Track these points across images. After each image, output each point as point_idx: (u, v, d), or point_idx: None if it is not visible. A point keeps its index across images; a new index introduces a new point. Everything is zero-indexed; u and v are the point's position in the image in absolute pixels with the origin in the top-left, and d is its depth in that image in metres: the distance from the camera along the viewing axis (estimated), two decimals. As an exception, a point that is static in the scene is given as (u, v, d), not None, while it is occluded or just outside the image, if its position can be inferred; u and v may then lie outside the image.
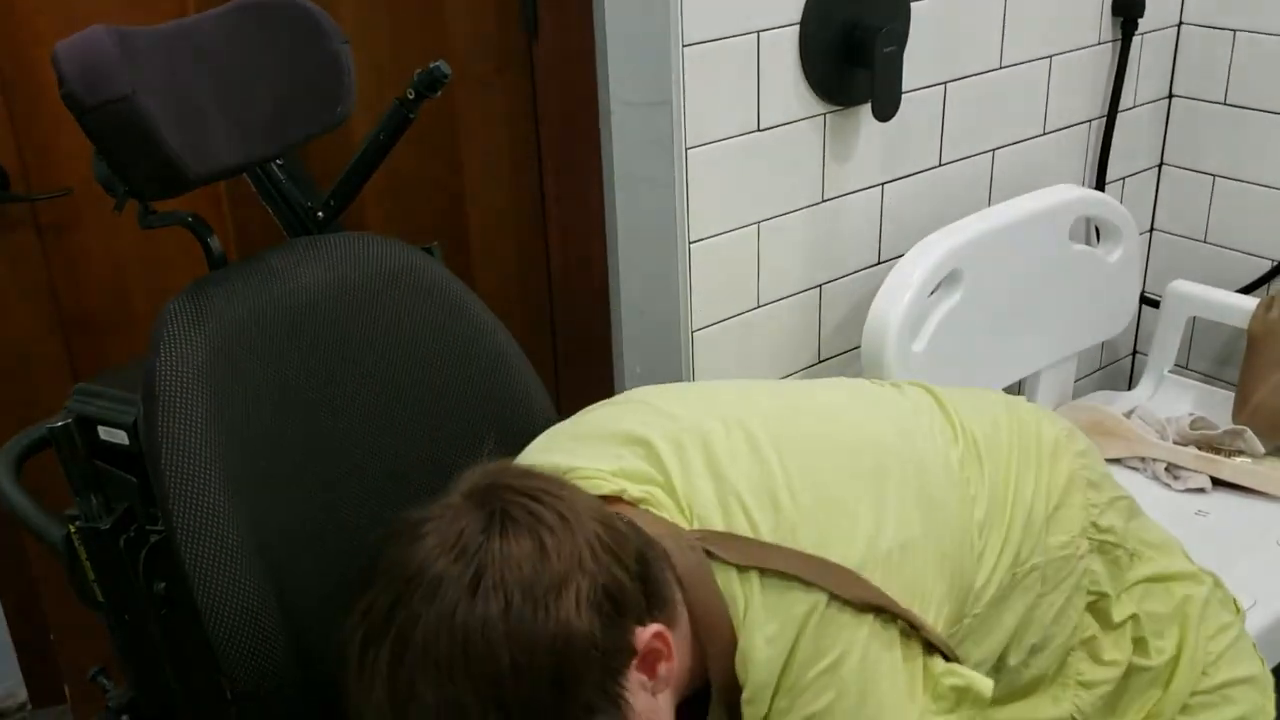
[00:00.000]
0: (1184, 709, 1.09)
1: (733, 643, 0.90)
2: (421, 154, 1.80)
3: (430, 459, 1.19)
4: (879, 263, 1.83)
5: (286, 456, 1.11)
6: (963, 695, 0.93)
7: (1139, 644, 1.08)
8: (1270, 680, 1.16)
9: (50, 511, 1.17)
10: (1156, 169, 2.21)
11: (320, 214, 1.42)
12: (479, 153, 1.85)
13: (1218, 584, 1.18)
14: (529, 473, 0.89)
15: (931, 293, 1.74)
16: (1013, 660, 1.02)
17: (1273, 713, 1.14)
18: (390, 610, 0.79)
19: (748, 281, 1.69)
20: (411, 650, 0.77)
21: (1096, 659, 1.06)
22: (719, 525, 0.92)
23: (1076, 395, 2.14)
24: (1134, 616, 1.08)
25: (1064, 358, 2.04)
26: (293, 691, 1.08)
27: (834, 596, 0.89)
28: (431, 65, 1.33)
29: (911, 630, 0.92)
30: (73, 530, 1.12)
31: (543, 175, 1.88)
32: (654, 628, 0.85)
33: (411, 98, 1.34)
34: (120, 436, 1.14)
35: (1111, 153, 2.07)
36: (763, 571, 0.89)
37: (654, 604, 0.86)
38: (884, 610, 0.91)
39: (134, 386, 1.10)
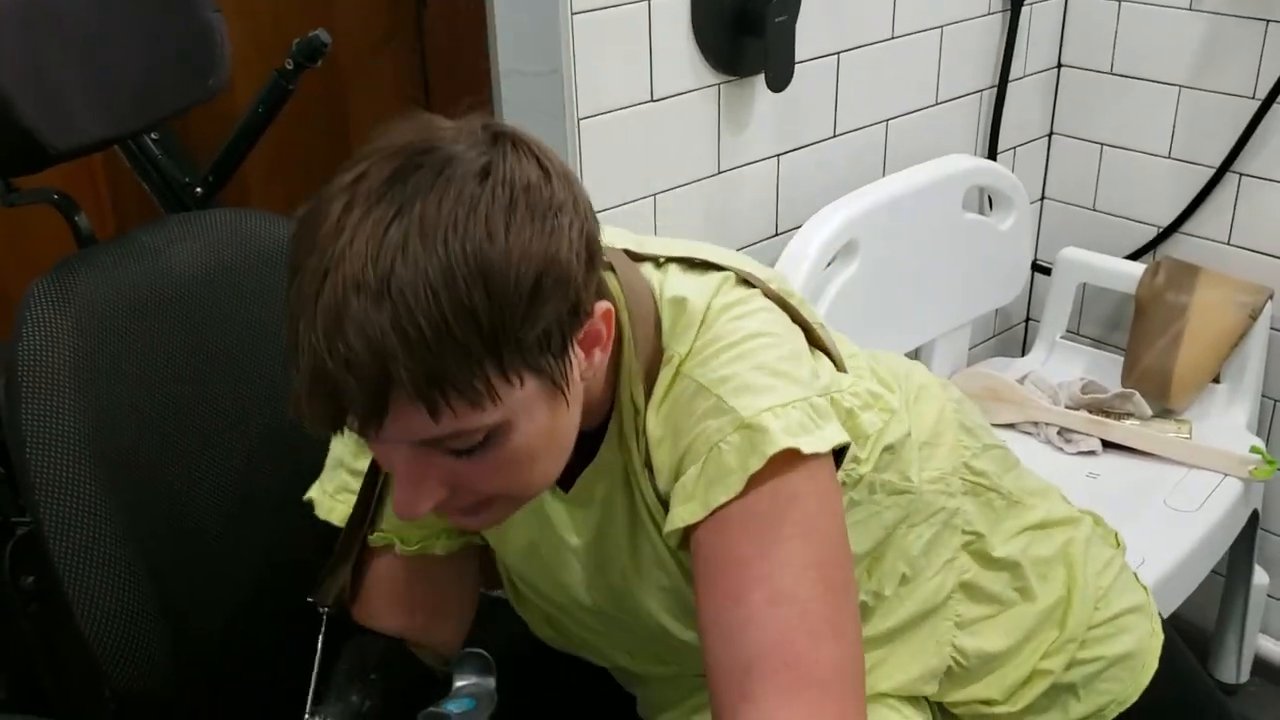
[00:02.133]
0: (1082, 644, 1.11)
1: (656, 319, 0.93)
2: (308, 127, 1.75)
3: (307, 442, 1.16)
4: (776, 234, 1.83)
5: (159, 441, 1.07)
6: (875, 398, 0.95)
7: (1024, 592, 1.10)
8: (1154, 605, 1.19)
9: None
10: (1046, 138, 2.24)
11: (199, 190, 1.37)
12: (367, 125, 1.80)
13: (1097, 522, 1.21)
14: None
15: (829, 264, 1.74)
16: (888, 590, 1.03)
17: (1162, 635, 1.17)
18: (391, 177, 0.77)
19: (644, 254, 1.68)
20: (409, 214, 0.75)
21: (974, 599, 1.08)
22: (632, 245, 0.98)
23: (971, 362, 2.18)
24: (1017, 564, 1.10)
25: (959, 325, 2.07)
26: (173, 689, 1.04)
27: (741, 277, 0.95)
28: (310, 34, 1.28)
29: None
30: (-68, 525, 1.07)
31: (434, 148, 1.84)
32: (604, 304, 0.85)
33: (290, 68, 1.30)
34: (-16, 426, 1.09)
35: (1002, 122, 2.10)
36: (678, 259, 0.96)
37: (599, 287, 0.86)
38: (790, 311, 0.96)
39: (-1, 373, 1.05)
